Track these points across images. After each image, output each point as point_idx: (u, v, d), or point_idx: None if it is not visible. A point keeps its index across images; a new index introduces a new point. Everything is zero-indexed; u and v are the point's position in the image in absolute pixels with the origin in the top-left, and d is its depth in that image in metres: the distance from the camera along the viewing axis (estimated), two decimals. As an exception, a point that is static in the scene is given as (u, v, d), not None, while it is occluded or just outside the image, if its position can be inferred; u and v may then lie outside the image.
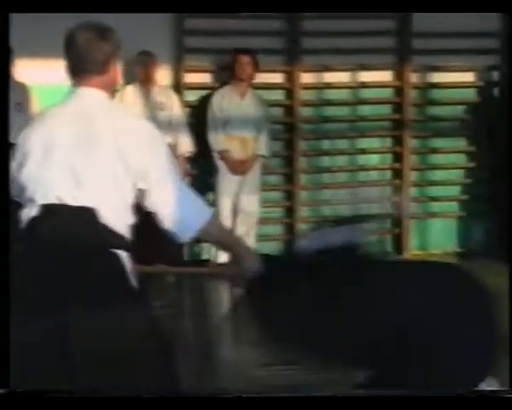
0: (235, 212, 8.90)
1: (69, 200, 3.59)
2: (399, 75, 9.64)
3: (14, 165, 3.74)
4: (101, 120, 3.67)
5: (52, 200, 3.60)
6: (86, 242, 3.62)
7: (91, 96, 3.72)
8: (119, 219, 3.65)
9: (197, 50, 9.06)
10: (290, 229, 9.53)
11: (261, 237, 9.16)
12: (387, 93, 9.75)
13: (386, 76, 9.68)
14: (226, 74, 8.93)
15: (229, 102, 8.76)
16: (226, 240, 3.98)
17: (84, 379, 3.61)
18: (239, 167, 8.77)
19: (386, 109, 9.79)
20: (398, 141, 9.72)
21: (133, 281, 3.71)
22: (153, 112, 8.64)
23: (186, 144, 8.69)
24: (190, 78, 9.13)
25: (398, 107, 9.72)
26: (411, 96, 9.71)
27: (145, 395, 3.45)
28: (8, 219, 3.62)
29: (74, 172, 3.60)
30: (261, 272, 3.90)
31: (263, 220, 9.16)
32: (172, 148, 8.48)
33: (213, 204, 8.87)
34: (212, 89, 9.06)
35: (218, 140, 8.77)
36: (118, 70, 3.81)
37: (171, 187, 3.69)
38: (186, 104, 8.97)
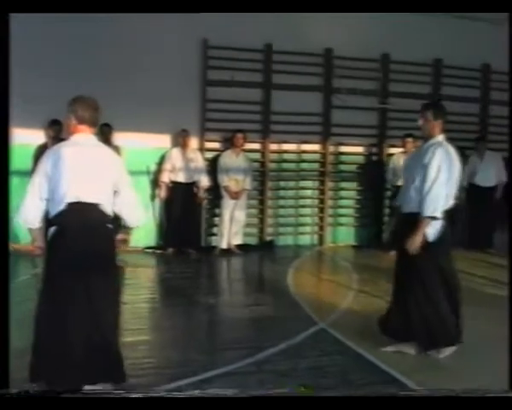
0: (231, 219, 8.94)
1: (83, 199, 3.63)
2: (324, 147, 9.75)
3: (50, 180, 3.69)
4: (94, 153, 3.73)
5: (73, 199, 3.63)
6: (93, 221, 3.66)
7: (89, 138, 3.79)
8: (109, 209, 3.71)
9: (213, 130, 9.13)
10: (262, 230, 9.64)
11: (245, 234, 9.31)
12: (317, 156, 9.83)
13: (316, 147, 9.78)
14: (228, 143, 9.03)
15: (230, 159, 8.89)
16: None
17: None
18: (234, 195, 8.88)
19: (315, 165, 9.84)
20: (322, 182, 9.86)
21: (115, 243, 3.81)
22: (187, 162, 8.78)
23: (205, 181, 8.80)
24: (209, 145, 9.22)
25: (322, 164, 9.80)
26: (330, 158, 9.80)
27: (145, 395, 2.96)
28: (7, 221, 3.19)
29: (83, 182, 3.64)
30: None
31: (246, 225, 9.28)
32: (197, 183, 8.79)
33: (219, 215, 9.09)
34: (220, 151, 9.13)
35: (223, 180, 8.88)
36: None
37: (129, 193, 3.79)
38: (206, 159, 9.05)
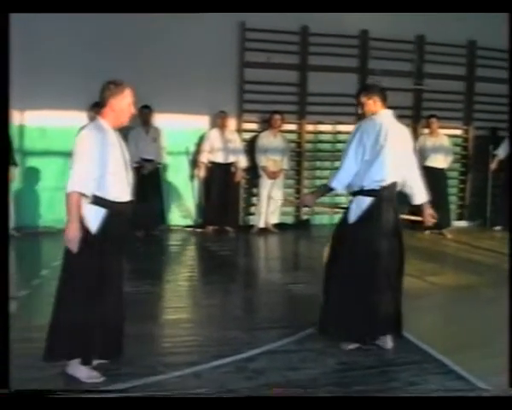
0: (269, 199, 8.64)
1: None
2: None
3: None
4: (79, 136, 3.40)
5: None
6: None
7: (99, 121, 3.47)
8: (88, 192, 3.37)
9: (251, 111, 8.88)
10: (298, 209, 9.30)
11: (282, 213, 9.04)
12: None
13: (351, 128, 9.21)
14: (266, 125, 8.76)
15: (268, 139, 8.63)
16: None
17: None
18: (272, 175, 8.63)
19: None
20: (357, 162, 9.52)
21: None
22: (225, 143, 8.53)
23: (243, 162, 8.58)
24: (247, 126, 8.97)
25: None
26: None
27: (145, 395, 2.89)
28: (7, 219, 2.95)
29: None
30: None
31: (283, 203, 8.89)
32: (235, 163, 8.56)
33: (256, 195, 8.90)
34: (258, 132, 8.87)
35: (261, 160, 8.63)
36: (114, 107, 3.41)
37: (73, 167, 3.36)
38: (244, 140, 8.84)
